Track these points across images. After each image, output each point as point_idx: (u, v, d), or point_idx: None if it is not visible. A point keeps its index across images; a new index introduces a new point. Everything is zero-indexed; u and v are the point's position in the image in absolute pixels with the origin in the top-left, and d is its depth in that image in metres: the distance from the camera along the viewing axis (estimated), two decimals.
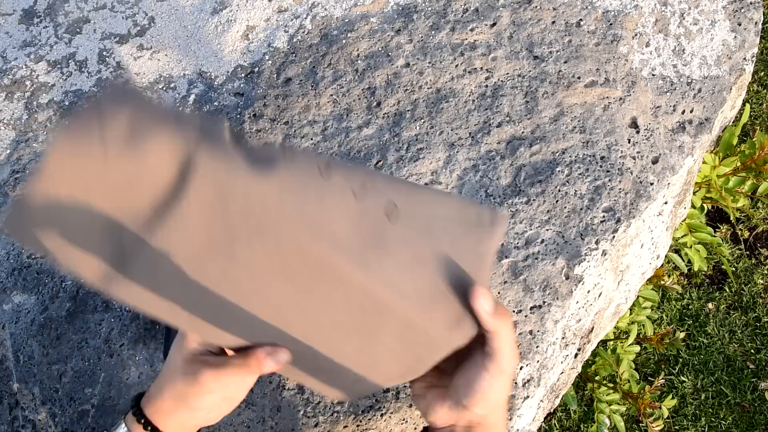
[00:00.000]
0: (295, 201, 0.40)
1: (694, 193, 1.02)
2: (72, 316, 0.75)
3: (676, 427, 1.50)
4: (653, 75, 0.79)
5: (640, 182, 0.73)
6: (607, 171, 0.73)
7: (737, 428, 1.48)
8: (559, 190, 0.73)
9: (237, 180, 0.39)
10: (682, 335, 1.02)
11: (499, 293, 0.70)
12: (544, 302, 0.69)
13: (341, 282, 0.42)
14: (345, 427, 0.68)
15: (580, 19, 0.82)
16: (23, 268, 0.78)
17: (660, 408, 1.02)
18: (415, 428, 0.67)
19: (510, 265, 0.70)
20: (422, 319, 0.44)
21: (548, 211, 0.72)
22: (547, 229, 0.71)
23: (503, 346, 0.45)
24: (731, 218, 1.60)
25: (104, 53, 0.90)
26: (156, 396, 0.49)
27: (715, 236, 1.05)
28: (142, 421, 0.48)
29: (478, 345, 0.46)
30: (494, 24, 0.83)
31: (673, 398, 1.08)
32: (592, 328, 0.78)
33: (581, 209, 0.72)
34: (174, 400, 0.48)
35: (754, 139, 0.98)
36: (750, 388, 1.51)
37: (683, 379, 1.54)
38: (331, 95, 0.82)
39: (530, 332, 0.68)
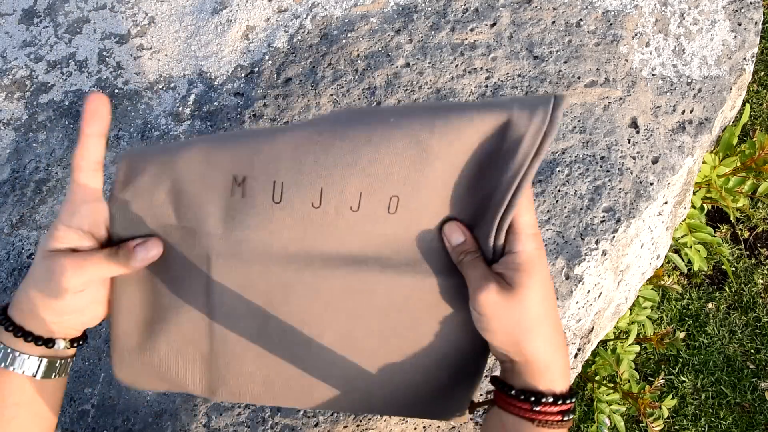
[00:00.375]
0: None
1: (694, 193, 1.02)
2: None
3: (676, 427, 1.50)
4: (653, 75, 0.79)
5: (640, 182, 0.73)
6: (607, 171, 0.73)
7: (737, 428, 1.48)
8: (559, 190, 0.73)
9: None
10: (682, 335, 1.02)
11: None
12: None
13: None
14: (345, 427, 0.68)
15: (580, 19, 0.82)
16: (23, 268, 0.78)
17: (660, 408, 1.02)
18: (415, 428, 0.67)
19: None
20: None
21: (548, 211, 0.72)
22: (547, 229, 0.71)
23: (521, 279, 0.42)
24: (731, 218, 1.60)
25: (104, 53, 0.90)
26: (19, 298, 0.45)
27: (715, 236, 1.05)
28: (9, 326, 0.44)
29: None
30: (494, 24, 0.83)
31: (673, 398, 1.08)
32: (592, 328, 0.78)
33: (581, 209, 0.72)
34: (35, 300, 0.44)
35: (754, 139, 0.98)
36: (750, 388, 1.51)
37: (683, 379, 1.54)
38: (331, 95, 0.82)
39: None
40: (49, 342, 0.45)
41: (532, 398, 0.44)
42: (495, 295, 0.42)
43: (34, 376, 0.45)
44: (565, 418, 0.44)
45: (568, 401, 0.44)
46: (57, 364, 0.46)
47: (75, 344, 0.47)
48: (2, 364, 0.44)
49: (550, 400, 0.43)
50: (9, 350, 0.44)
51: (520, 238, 0.43)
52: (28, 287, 0.44)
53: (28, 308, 0.44)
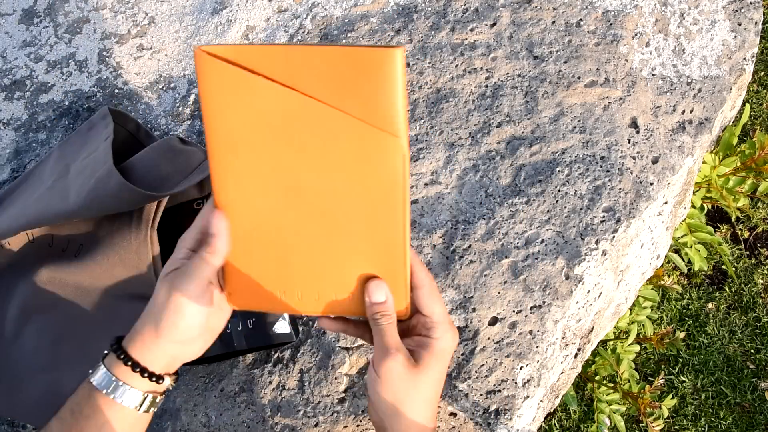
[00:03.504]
0: None
1: (694, 193, 1.02)
2: None
3: (676, 427, 1.50)
4: (653, 75, 0.79)
5: (640, 182, 0.73)
6: (607, 171, 0.73)
7: (737, 428, 1.48)
8: (559, 190, 0.73)
9: None
10: (682, 335, 1.01)
11: (499, 293, 0.70)
12: (544, 302, 0.69)
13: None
14: (345, 427, 0.68)
15: (580, 19, 0.82)
16: None
17: (660, 408, 1.02)
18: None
19: (510, 265, 0.70)
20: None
21: (548, 211, 0.72)
22: (547, 229, 0.71)
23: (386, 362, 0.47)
24: (732, 218, 1.60)
25: (104, 53, 0.90)
26: (138, 330, 0.47)
27: (715, 236, 1.05)
28: (122, 356, 0.46)
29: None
30: (494, 24, 0.83)
31: (673, 398, 1.08)
32: (592, 328, 0.78)
33: (581, 209, 0.72)
34: (153, 330, 0.46)
35: (754, 139, 0.98)
36: (750, 388, 1.51)
37: (683, 379, 1.54)
38: None
39: (530, 332, 0.68)
40: (159, 378, 0.47)
41: None
42: (400, 366, 0.46)
43: (137, 409, 0.46)
44: None
45: None
46: (157, 399, 0.48)
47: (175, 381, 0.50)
48: (106, 391, 0.45)
49: None
50: (114, 380, 0.46)
51: (442, 328, 0.47)
52: (145, 320, 0.46)
53: (147, 342, 0.46)
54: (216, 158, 0.46)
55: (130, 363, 0.45)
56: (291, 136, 0.44)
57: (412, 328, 0.50)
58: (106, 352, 0.48)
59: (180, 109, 0.85)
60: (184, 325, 0.45)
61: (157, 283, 0.46)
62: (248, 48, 0.44)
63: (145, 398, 0.46)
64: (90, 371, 0.47)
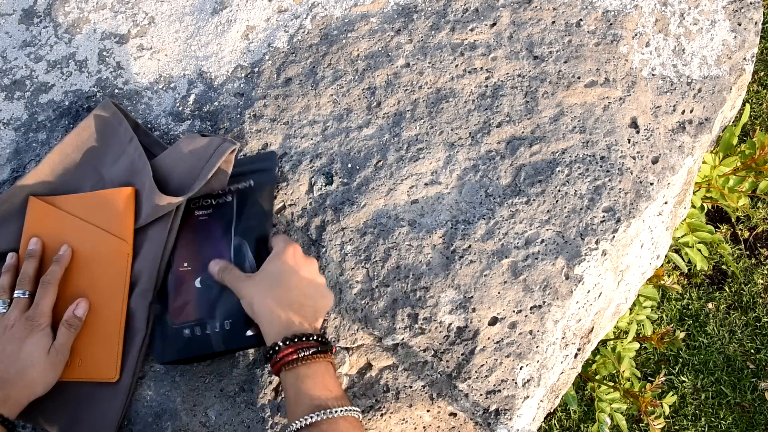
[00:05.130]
0: None
1: (694, 193, 1.02)
2: None
3: (676, 427, 1.50)
4: (653, 75, 0.79)
5: (640, 182, 0.73)
6: (607, 171, 0.73)
7: (737, 428, 1.48)
8: (559, 190, 0.73)
9: None
10: (682, 335, 1.01)
11: (499, 293, 0.70)
12: (544, 302, 0.69)
13: None
14: None
15: (580, 19, 0.82)
16: None
17: (661, 405, 1.02)
18: (415, 428, 0.67)
19: (510, 265, 0.70)
20: None
21: (548, 211, 0.72)
22: (547, 229, 0.71)
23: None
24: (732, 218, 1.60)
25: (104, 53, 0.90)
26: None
27: (715, 235, 1.05)
28: None
29: None
30: (494, 24, 0.83)
31: (673, 396, 1.08)
32: (592, 328, 0.78)
33: (581, 209, 0.72)
34: (15, 379, 0.61)
35: (754, 139, 0.98)
36: (750, 388, 1.51)
37: (683, 378, 1.54)
38: (331, 95, 0.82)
39: (530, 332, 0.68)
40: (9, 424, 0.59)
41: (270, 351, 0.59)
42: (236, 272, 0.67)
43: None
44: (302, 354, 0.58)
45: (298, 340, 0.59)
46: None
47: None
48: None
49: (279, 344, 0.59)
50: None
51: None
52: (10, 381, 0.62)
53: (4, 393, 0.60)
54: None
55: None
56: (70, 243, 0.72)
57: None
58: None
59: (180, 109, 0.85)
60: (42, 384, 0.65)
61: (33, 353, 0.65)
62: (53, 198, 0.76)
63: None
64: None
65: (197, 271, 0.70)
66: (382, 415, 0.67)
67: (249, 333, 0.66)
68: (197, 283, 0.69)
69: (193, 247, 0.72)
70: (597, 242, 0.70)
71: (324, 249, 0.74)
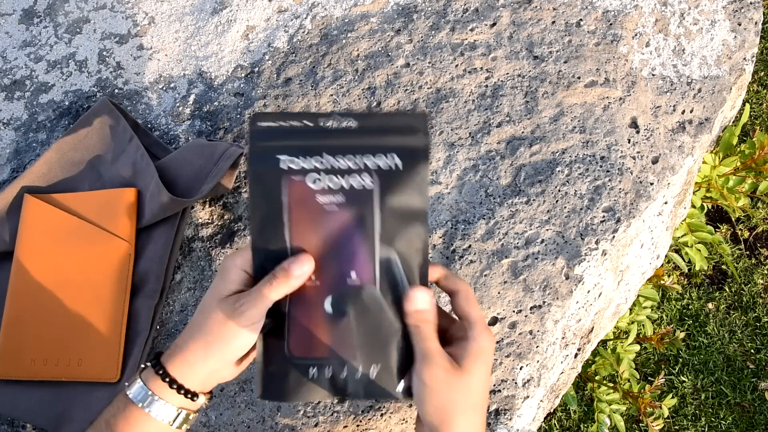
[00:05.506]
0: None
1: (694, 193, 1.02)
2: None
3: (676, 427, 1.50)
4: (653, 75, 0.79)
5: (640, 182, 0.73)
6: (607, 171, 0.73)
7: (737, 428, 1.48)
8: (559, 190, 0.73)
9: None
10: (682, 335, 1.02)
11: (499, 293, 0.70)
12: (544, 302, 0.69)
13: None
14: (345, 427, 0.68)
15: (580, 19, 0.82)
16: None
17: (660, 407, 1.02)
18: (415, 428, 0.67)
19: (510, 265, 0.70)
20: None
21: (548, 211, 0.72)
22: (547, 229, 0.71)
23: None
24: (732, 218, 1.60)
25: (104, 53, 0.90)
26: (181, 345, 0.47)
27: (715, 235, 1.05)
28: (160, 371, 0.47)
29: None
30: (494, 24, 0.83)
31: (673, 398, 1.08)
32: (592, 328, 0.78)
33: (581, 209, 0.72)
34: (202, 347, 0.46)
35: (754, 139, 0.98)
36: (750, 388, 1.51)
37: (683, 379, 1.54)
38: (331, 95, 0.82)
39: (530, 332, 0.68)
40: (194, 395, 0.48)
41: None
42: (443, 371, 0.45)
43: (170, 424, 0.47)
44: None
45: None
46: (190, 417, 0.49)
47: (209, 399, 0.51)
48: (141, 405, 0.47)
49: None
50: (150, 394, 0.47)
51: (478, 328, 0.47)
52: (196, 337, 0.47)
53: (190, 359, 0.47)
54: (19, 262, 0.72)
55: (167, 379, 0.47)
56: (67, 242, 0.73)
57: (449, 336, 0.49)
58: (143, 365, 0.49)
59: (180, 109, 0.85)
60: (234, 348, 0.47)
61: (210, 304, 0.47)
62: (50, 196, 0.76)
63: (179, 414, 0.47)
64: (126, 384, 0.48)
65: (327, 288, 0.49)
66: (382, 415, 0.67)
67: (400, 388, 0.49)
68: (327, 306, 0.49)
69: (321, 251, 0.49)
70: (597, 242, 0.70)
71: None
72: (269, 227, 0.49)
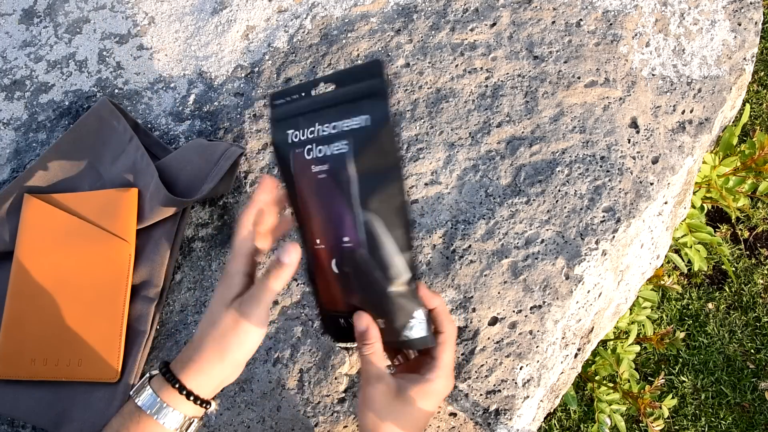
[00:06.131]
0: None
1: (694, 193, 1.02)
2: None
3: (676, 427, 1.50)
4: (653, 75, 0.79)
5: (640, 182, 0.73)
6: (607, 171, 0.73)
7: (737, 428, 1.48)
8: (559, 190, 0.73)
9: None
10: (682, 335, 1.01)
11: (499, 293, 0.70)
12: (544, 302, 0.69)
13: None
14: (345, 427, 0.68)
15: (580, 19, 0.82)
16: None
17: (660, 408, 1.02)
18: None
19: (510, 265, 0.70)
20: None
21: (548, 211, 0.72)
22: (547, 229, 0.71)
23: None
24: (732, 218, 1.60)
25: (104, 53, 0.90)
26: (194, 357, 0.48)
27: (715, 236, 1.05)
28: (171, 380, 0.48)
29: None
30: (494, 24, 0.83)
31: (673, 398, 1.08)
32: (592, 328, 0.78)
33: (581, 209, 0.72)
34: (219, 354, 0.48)
35: (754, 139, 0.98)
36: (750, 388, 1.51)
37: (683, 379, 1.54)
38: None
39: (530, 332, 0.68)
40: (206, 403, 0.49)
41: None
42: (380, 394, 0.49)
43: (180, 430, 0.48)
44: None
45: None
46: (196, 423, 0.50)
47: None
48: (150, 412, 0.47)
49: None
50: (160, 402, 0.48)
51: (439, 372, 0.51)
52: (209, 345, 0.48)
53: (205, 368, 0.48)
54: (19, 261, 0.72)
55: (177, 386, 0.48)
56: (67, 242, 0.72)
57: (417, 364, 0.53)
58: (151, 374, 0.50)
59: (180, 109, 0.85)
60: (248, 349, 0.49)
61: (218, 311, 0.49)
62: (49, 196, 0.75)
63: (190, 422, 0.49)
64: (132, 393, 0.49)
65: (330, 251, 0.51)
66: None
67: (415, 335, 0.52)
68: (333, 267, 0.52)
69: (320, 217, 0.51)
70: (597, 242, 0.70)
71: None
72: (291, 201, 0.53)
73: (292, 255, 0.49)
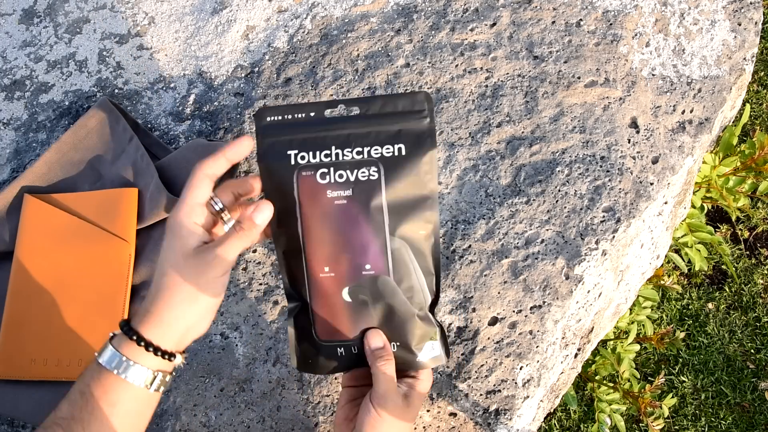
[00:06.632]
0: None
1: (694, 193, 1.02)
2: None
3: (676, 427, 1.50)
4: (653, 75, 0.79)
5: (640, 182, 0.73)
6: (607, 171, 0.73)
7: (737, 428, 1.48)
8: (559, 190, 0.73)
9: None
10: (682, 335, 1.01)
11: (499, 293, 0.70)
12: (544, 302, 0.69)
13: None
14: None
15: (580, 19, 0.82)
16: None
17: (660, 407, 1.02)
18: (415, 428, 0.67)
19: (510, 265, 0.70)
20: None
21: (548, 211, 0.72)
22: (547, 229, 0.71)
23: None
24: (732, 218, 1.60)
25: (104, 53, 0.90)
26: (152, 310, 0.46)
27: (715, 235, 1.05)
28: (133, 335, 0.46)
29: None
30: (494, 24, 0.83)
31: (673, 398, 1.08)
32: (592, 328, 0.78)
33: (581, 209, 0.72)
34: (179, 305, 0.46)
35: (754, 139, 0.98)
36: (750, 388, 1.51)
37: (683, 379, 1.54)
38: (331, 95, 0.82)
39: (530, 332, 0.68)
40: (171, 356, 0.47)
41: None
42: (398, 409, 0.51)
43: (148, 387, 0.46)
44: None
45: None
46: (167, 378, 0.48)
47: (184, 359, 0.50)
48: (116, 371, 0.45)
49: None
50: (124, 359, 0.46)
51: (426, 371, 0.54)
52: (168, 296, 0.46)
53: (165, 319, 0.46)
54: (19, 261, 0.72)
55: (143, 343, 0.46)
56: (67, 241, 0.72)
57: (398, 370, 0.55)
58: (113, 333, 0.48)
59: (180, 109, 0.85)
60: (209, 301, 0.47)
61: (176, 262, 0.47)
62: (49, 196, 0.75)
63: (155, 377, 0.46)
64: (96, 353, 0.47)
65: (344, 278, 0.50)
66: None
67: (419, 359, 0.52)
68: (345, 296, 0.51)
69: (334, 244, 0.50)
70: (597, 242, 0.70)
71: None
72: (284, 223, 0.50)
73: (265, 213, 0.48)
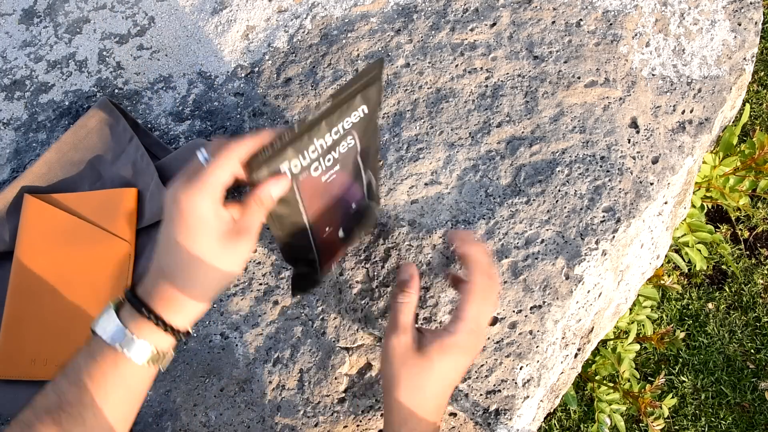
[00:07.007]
0: None
1: (694, 193, 1.02)
2: None
3: (676, 427, 1.50)
4: (653, 75, 0.79)
5: (640, 182, 0.73)
6: (607, 171, 0.73)
7: (737, 428, 1.48)
8: (559, 190, 0.73)
9: None
10: (682, 335, 1.01)
11: (499, 293, 0.70)
12: (544, 302, 0.69)
13: None
14: (345, 427, 0.68)
15: (580, 19, 0.82)
16: None
17: (660, 407, 1.02)
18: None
19: (510, 265, 0.70)
20: None
21: (548, 211, 0.72)
22: (547, 229, 0.71)
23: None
24: (732, 218, 1.60)
25: (104, 53, 0.90)
26: (161, 284, 0.43)
27: (715, 234, 1.05)
28: (143, 310, 0.43)
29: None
30: (494, 24, 0.83)
31: (673, 398, 1.08)
32: (592, 328, 0.78)
33: (581, 209, 0.72)
34: (201, 284, 0.43)
35: (754, 139, 0.98)
36: (750, 388, 1.51)
37: (683, 379, 1.54)
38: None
39: (530, 332, 0.68)
40: (177, 333, 0.45)
41: None
42: (402, 346, 0.48)
43: (150, 364, 0.44)
44: None
45: None
46: (168, 355, 0.46)
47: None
48: (119, 346, 0.42)
49: None
50: (130, 335, 0.43)
51: (461, 325, 0.49)
52: (182, 277, 0.43)
53: (176, 300, 0.43)
54: (20, 261, 0.71)
55: (153, 318, 0.43)
56: (67, 242, 0.72)
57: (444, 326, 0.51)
58: (113, 303, 0.45)
59: (180, 109, 0.85)
60: (229, 282, 0.46)
61: (201, 245, 0.43)
62: (49, 196, 0.75)
63: (161, 356, 0.45)
64: (96, 325, 0.44)
65: (338, 226, 0.61)
66: (381, 415, 0.67)
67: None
68: (341, 234, 0.62)
69: (330, 210, 0.58)
70: (597, 242, 0.70)
71: None
72: (288, 221, 0.53)
73: (282, 183, 0.47)
